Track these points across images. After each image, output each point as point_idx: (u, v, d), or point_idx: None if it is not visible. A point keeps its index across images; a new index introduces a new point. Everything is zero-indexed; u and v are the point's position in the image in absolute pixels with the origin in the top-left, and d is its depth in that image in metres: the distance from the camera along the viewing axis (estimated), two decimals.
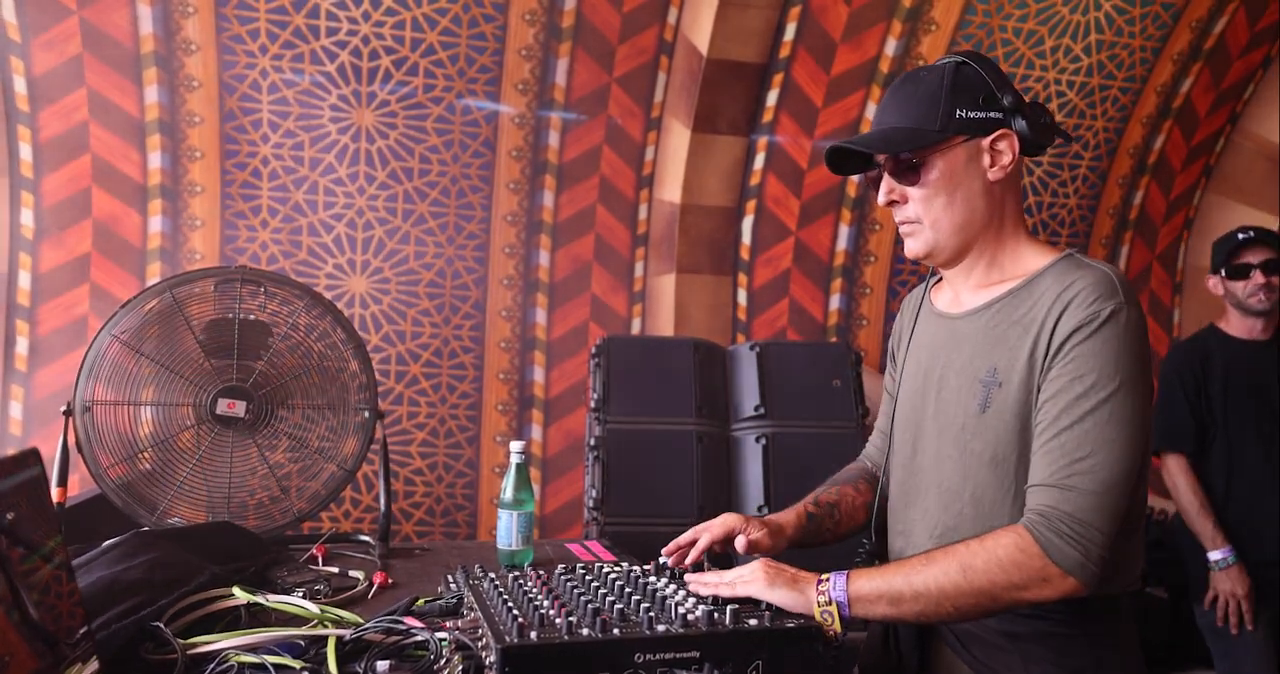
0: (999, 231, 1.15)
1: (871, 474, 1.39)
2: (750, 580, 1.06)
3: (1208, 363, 2.25)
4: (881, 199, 1.16)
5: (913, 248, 1.17)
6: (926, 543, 1.16)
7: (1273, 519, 2.16)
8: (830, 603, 1.02)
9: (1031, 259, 1.14)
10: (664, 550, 1.24)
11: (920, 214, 1.14)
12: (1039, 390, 1.05)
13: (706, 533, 1.22)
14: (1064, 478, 1.00)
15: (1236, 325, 2.25)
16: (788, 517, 1.28)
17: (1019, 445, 1.07)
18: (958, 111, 1.11)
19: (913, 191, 1.13)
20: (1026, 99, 1.15)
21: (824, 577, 1.04)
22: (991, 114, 1.12)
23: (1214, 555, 2.15)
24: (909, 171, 1.13)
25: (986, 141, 1.12)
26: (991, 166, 1.12)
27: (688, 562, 1.21)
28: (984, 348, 1.12)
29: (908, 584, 1.01)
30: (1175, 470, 2.22)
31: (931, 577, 1.01)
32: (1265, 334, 2.23)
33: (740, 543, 1.20)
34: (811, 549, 1.30)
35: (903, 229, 1.18)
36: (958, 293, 1.20)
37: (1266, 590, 2.16)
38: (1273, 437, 2.18)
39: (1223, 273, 2.23)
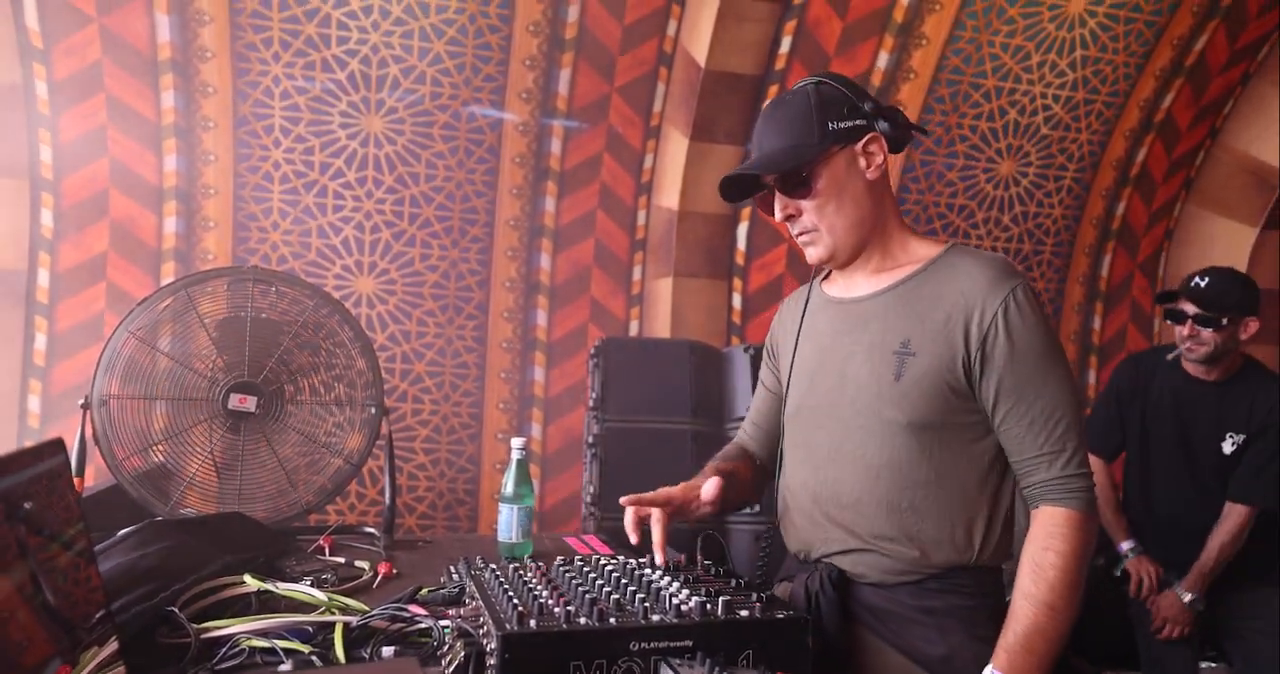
0: (884, 225, 1.23)
1: (750, 456, 1.41)
2: None
3: (1149, 384, 2.25)
4: (778, 215, 1.22)
5: (816, 254, 1.23)
6: (839, 511, 1.19)
7: (1190, 541, 2.18)
8: None
9: (922, 248, 1.23)
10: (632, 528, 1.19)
11: (816, 222, 1.20)
12: (978, 369, 1.13)
13: (660, 515, 1.18)
14: (1055, 444, 1.12)
15: (1189, 364, 2.17)
16: (679, 491, 1.25)
17: (934, 408, 1.14)
18: (829, 124, 1.18)
19: (805, 203, 1.20)
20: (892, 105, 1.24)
21: None
22: (857, 122, 1.19)
23: (1125, 545, 2.28)
24: (798, 186, 1.19)
25: (859, 146, 1.19)
26: (868, 168, 1.20)
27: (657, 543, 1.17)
28: (895, 323, 1.18)
29: (1059, 636, 1.08)
30: (1095, 469, 2.27)
31: (1066, 617, 1.08)
32: (1210, 375, 2.16)
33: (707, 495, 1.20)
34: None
35: (801, 239, 1.23)
36: (852, 280, 1.27)
37: (1185, 566, 2.18)
38: (1191, 472, 2.18)
39: (1165, 317, 2.17)
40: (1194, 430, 2.18)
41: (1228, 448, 2.13)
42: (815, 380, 1.26)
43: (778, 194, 1.21)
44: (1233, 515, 2.12)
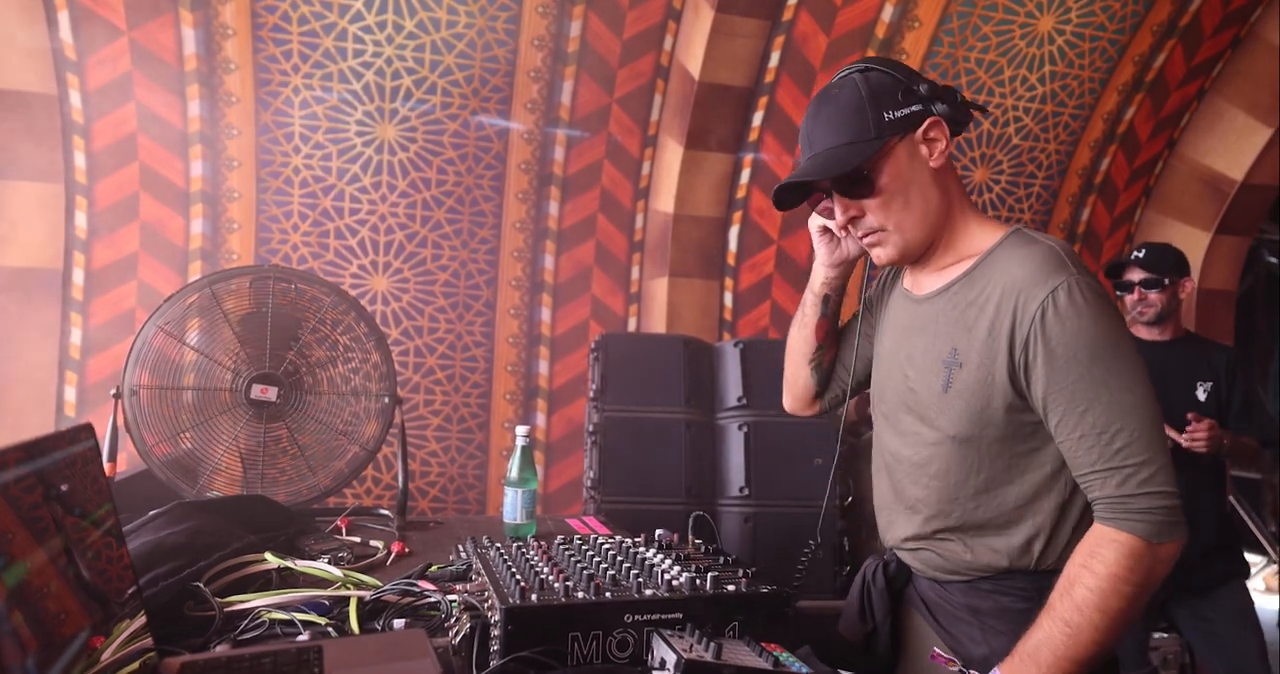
0: (950, 214, 1.08)
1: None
2: None
3: None
4: (839, 218, 1.07)
5: (886, 255, 1.08)
6: (900, 513, 1.12)
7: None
8: None
9: (982, 237, 1.07)
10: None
11: (883, 221, 1.05)
12: (1025, 378, 0.98)
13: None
14: (1111, 460, 0.94)
15: (1142, 330, 2.31)
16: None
17: (981, 421, 1.01)
18: (885, 114, 1.02)
19: (869, 203, 1.04)
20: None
21: None
22: (914, 108, 1.03)
23: None
24: (860, 185, 1.03)
25: (919, 134, 1.04)
26: (931, 155, 1.04)
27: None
28: (945, 330, 1.05)
29: (1074, 663, 0.93)
30: None
31: (1087, 639, 0.92)
32: (1164, 336, 2.27)
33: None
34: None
35: (867, 240, 1.08)
36: (918, 276, 1.13)
37: None
38: (1169, 425, 2.20)
39: (1112, 286, 2.31)
40: (1164, 384, 2.20)
41: (1201, 395, 2.20)
42: (886, 384, 1.15)
43: (837, 196, 1.05)
44: (1243, 439, 2.17)
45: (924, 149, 1.04)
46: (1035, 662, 0.94)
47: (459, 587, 1.08)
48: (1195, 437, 2.06)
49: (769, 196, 3.05)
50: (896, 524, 1.15)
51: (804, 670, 0.88)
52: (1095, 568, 0.93)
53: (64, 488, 0.83)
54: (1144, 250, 2.26)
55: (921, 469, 1.08)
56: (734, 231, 3.17)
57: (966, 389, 1.02)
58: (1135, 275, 2.24)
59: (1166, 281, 2.21)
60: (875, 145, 1.01)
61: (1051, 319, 0.95)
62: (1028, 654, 0.95)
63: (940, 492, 1.06)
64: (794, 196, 1.11)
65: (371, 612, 1.08)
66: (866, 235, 1.08)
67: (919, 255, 1.10)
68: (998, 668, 0.98)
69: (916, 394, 1.08)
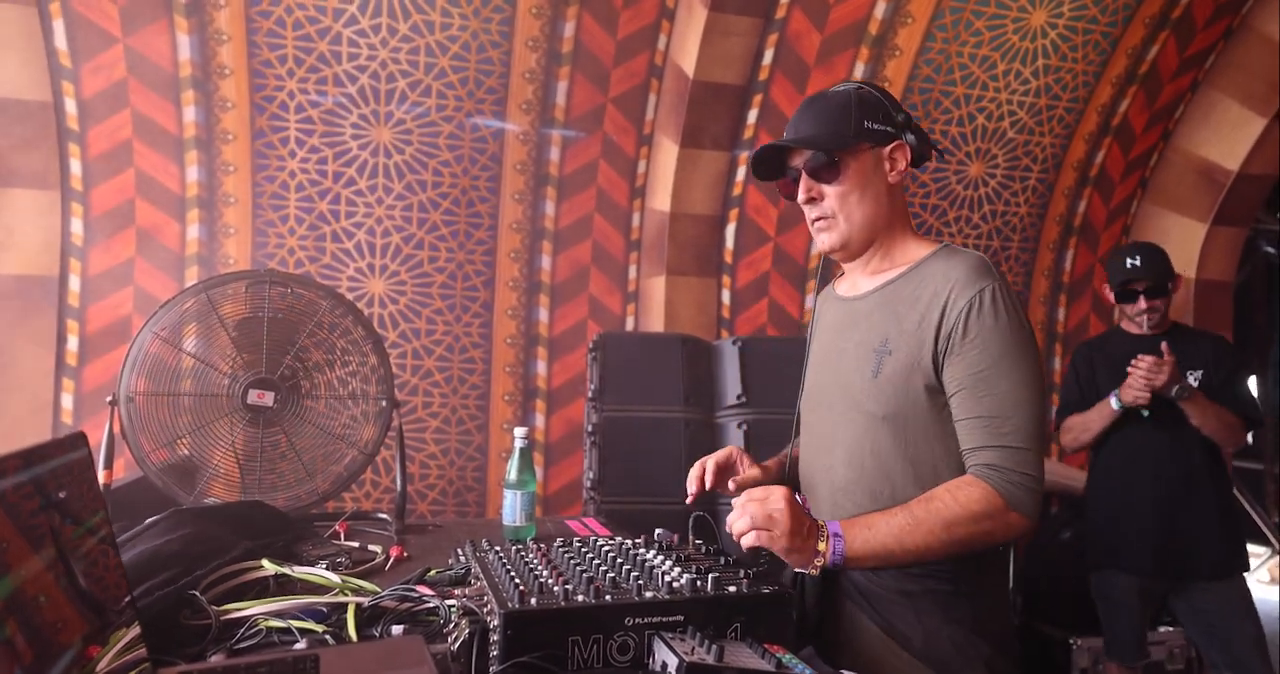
0: (891, 226, 1.22)
1: None
2: (776, 535, 1.05)
3: (1102, 354, 2.35)
4: (801, 196, 1.21)
5: (829, 241, 1.22)
6: (831, 494, 1.20)
7: (1145, 489, 2.20)
8: (827, 564, 1.06)
9: (915, 249, 1.22)
10: (692, 483, 1.28)
11: (836, 209, 1.19)
12: (942, 362, 1.11)
13: (711, 460, 1.29)
14: (997, 440, 1.07)
15: (1130, 325, 2.34)
16: (771, 463, 1.38)
17: (907, 404, 1.13)
18: (866, 122, 1.18)
19: (830, 189, 1.19)
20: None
21: (823, 536, 1.07)
22: (889, 128, 1.19)
23: (1112, 401, 2.21)
24: (828, 169, 1.18)
25: (886, 150, 1.19)
26: (890, 171, 1.20)
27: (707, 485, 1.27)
28: (878, 323, 1.18)
29: (900, 545, 1.06)
30: (1067, 425, 2.35)
31: (920, 538, 1.05)
32: (1154, 330, 2.30)
33: (732, 485, 1.27)
34: None
35: (817, 225, 1.22)
36: (855, 280, 1.28)
37: (1140, 556, 2.18)
38: (1159, 409, 2.20)
39: (1114, 297, 2.31)
40: None
41: (1191, 382, 2.20)
42: (819, 374, 1.27)
43: (804, 177, 1.20)
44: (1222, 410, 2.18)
45: (886, 164, 1.20)
46: (869, 526, 1.07)
47: (457, 591, 1.06)
48: (1139, 366, 2.10)
49: (763, 193, 3.04)
50: (829, 514, 1.21)
51: (807, 672, 0.87)
52: (959, 497, 1.06)
53: (61, 495, 0.82)
54: (1139, 258, 2.25)
55: (855, 451, 1.18)
56: (730, 229, 3.16)
57: (895, 374, 1.14)
58: (1139, 284, 2.25)
59: (1169, 286, 2.25)
60: (851, 142, 1.17)
61: (974, 316, 1.09)
62: (866, 522, 1.08)
63: (875, 471, 1.15)
64: (769, 170, 1.26)
65: (369, 618, 1.07)
66: (818, 220, 1.22)
67: (856, 253, 1.23)
68: (838, 521, 1.08)
69: (850, 382, 1.19)
